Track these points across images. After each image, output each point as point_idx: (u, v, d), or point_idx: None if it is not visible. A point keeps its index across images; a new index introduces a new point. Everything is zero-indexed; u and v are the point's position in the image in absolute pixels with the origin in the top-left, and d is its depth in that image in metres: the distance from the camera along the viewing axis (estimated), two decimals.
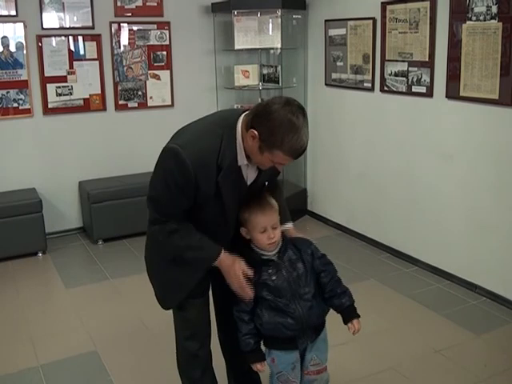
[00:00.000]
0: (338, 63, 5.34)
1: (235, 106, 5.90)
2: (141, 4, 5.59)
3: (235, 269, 2.28)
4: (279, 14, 5.50)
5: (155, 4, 5.65)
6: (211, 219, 2.32)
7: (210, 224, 2.32)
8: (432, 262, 4.60)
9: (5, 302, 4.30)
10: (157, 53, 5.74)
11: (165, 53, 5.77)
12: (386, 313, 4.01)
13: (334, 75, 5.43)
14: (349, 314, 2.41)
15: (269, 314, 2.33)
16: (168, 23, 5.71)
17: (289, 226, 2.53)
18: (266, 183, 2.43)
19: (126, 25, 5.57)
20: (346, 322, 2.41)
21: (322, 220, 5.78)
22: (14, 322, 4.01)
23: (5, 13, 5.07)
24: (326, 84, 5.57)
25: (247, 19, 5.56)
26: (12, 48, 5.14)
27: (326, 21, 5.42)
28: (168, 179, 2.18)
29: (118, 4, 5.50)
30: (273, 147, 2.06)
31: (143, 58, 5.69)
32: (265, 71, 5.83)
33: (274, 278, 2.32)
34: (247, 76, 5.79)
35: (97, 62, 5.50)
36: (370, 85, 4.98)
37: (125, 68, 5.63)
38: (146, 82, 5.75)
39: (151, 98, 5.78)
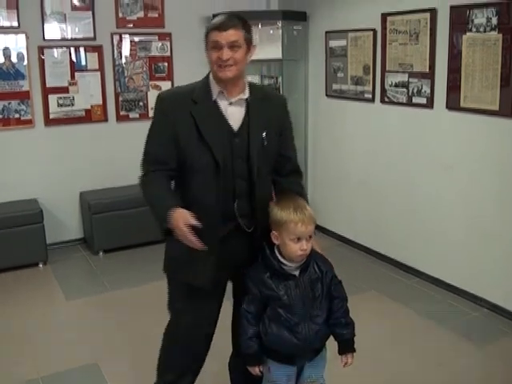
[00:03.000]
0: (339, 74, 5.36)
1: None
2: (142, 15, 5.61)
3: (180, 225, 2.17)
4: (280, 25, 5.53)
5: (156, 15, 5.67)
6: (202, 169, 2.33)
7: (204, 177, 2.34)
8: (434, 274, 4.59)
9: (5, 313, 4.29)
10: (158, 64, 5.76)
11: (166, 64, 5.79)
12: (386, 325, 3.99)
13: (335, 86, 5.44)
14: (346, 346, 2.40)
15: (276, 328, 2.29)
16: (169, 34, 5.73)
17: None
18: (264, 135, 2.40)
19: (127, 36, 5.59)
20: (341, 352, 2.40)
21: (322, 230, 5.77)
22: (14, 333, 4.00)
23: (7, 24, 5.10)
24: (326, 95, 5.58)
25: None
26: (14, 59, 5.15)
27: (326, 32, 5.43)
28: (152, 122, 2.49)
29: (120, 15, 5.52)
30: (206, 36, 2.32)
31: (144, 68, 5.71)
32: (265, 82, 5.84)
33: (290, 293, 2.27)
34: None
35: (98, 73, 5.52)
36: (370, 96, 4.99)
37: (126, 79, 5.65)
38: (147, 93, 5.76)
39: (152, 108, 5.78)
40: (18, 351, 3.75)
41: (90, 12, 5.40)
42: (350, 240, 5.51)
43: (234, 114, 2.39)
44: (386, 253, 5.08)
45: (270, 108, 2.46)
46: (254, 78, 5.79)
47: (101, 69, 5.53)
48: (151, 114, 6.10)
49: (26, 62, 5.20)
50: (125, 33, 5.58)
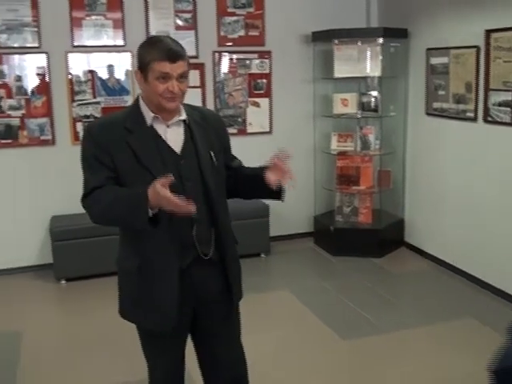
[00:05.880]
0: (440, 92, 5.24)
1: (332, 135, 5.90)
2: (243, 34, 5.73)
3: (159, 192, 2.00)
4: (380, 42, 5.48)
5: (257, 34, 5.77)
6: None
7: None
8: None
9: (104, 316, 4.46)
10: (257, 81, 5.86)
11: (265, 81, 5.87)
12: (482, 354, 3.79)
13: (436, 104, 5.32)
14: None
15: None
16: (269, 52, 5.82)
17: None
18: (213, 154, 2.34)
19: (227, 54, 5.73)
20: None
21: (419, 252, 5.63)
22: (110, 337, 4.14)
23: (111, 43, 5.40)
24: (426, 113, 5.47)
25: (347, 48, 5.57)
26: (118, 76, 5.43)
27: (427, 49, 5.34)
28: (85, 154, 2.24)
29: (222, 34, 5.67)
30: (147, 65, 2.16)
31: (244, 85, 5.82)
32: (364, 99, 5.80)
33: None
34: (346, 104, 5.78)
35: (199, 90, 5.68)
36: (472, 115, 4.84)
37: (226, 95, 5.78)
38: (245, 110, 5.87)
39: (250, 124, 5.89)
40: (112, 354, 3.88)
41: (193, 31, 5.58)
42: (447, 263, 5.33)
43: (174, 137, 2.29)
44: (484, 278, 4.86)
45: (211, 128, 2.40)
46: (353, 96, 5.76)
47: (202, 85, 5.69)
48: (249, 129, 6.23)
49: (130, 79, 5.44)
50: (226, 51, 5.72)
